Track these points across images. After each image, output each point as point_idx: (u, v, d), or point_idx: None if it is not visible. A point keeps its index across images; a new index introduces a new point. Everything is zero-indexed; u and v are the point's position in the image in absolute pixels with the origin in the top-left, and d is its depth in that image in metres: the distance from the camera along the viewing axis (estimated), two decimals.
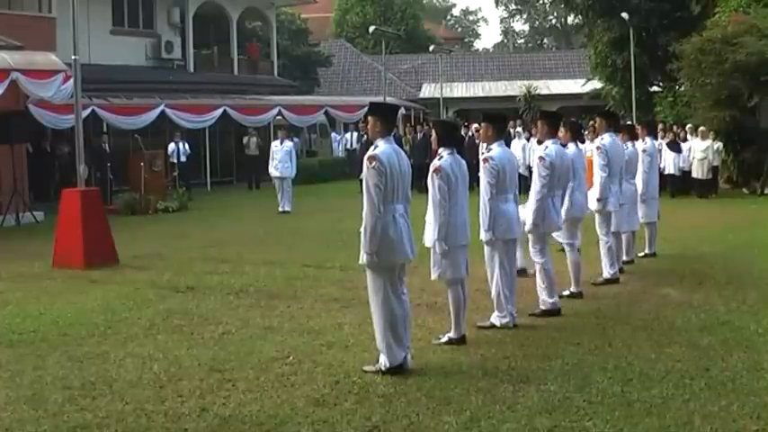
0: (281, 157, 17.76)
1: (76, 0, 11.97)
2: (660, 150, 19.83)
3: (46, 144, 21.05)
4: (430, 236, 6.68)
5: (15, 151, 16.03)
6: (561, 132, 8.42)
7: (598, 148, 9.38)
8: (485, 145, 7.63)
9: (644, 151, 10.82)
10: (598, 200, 9.24)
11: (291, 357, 6.50)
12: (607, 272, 9.32)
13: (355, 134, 27.47)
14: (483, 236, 7.27)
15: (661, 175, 19.76)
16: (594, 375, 5.92)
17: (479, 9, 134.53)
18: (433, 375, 5.98)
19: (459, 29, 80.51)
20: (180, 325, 7.67)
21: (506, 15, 77.80)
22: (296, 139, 24.33)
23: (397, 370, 6.00)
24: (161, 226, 15.79)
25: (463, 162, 6.82)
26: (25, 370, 6.33)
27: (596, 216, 9.44)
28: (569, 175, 8.28)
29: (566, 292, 8.48)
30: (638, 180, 10.64)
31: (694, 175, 19.58)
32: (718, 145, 19.85)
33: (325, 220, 16.16)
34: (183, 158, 23.04)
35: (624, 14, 26.07)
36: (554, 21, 72.61)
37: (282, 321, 7.74)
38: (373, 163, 5.87)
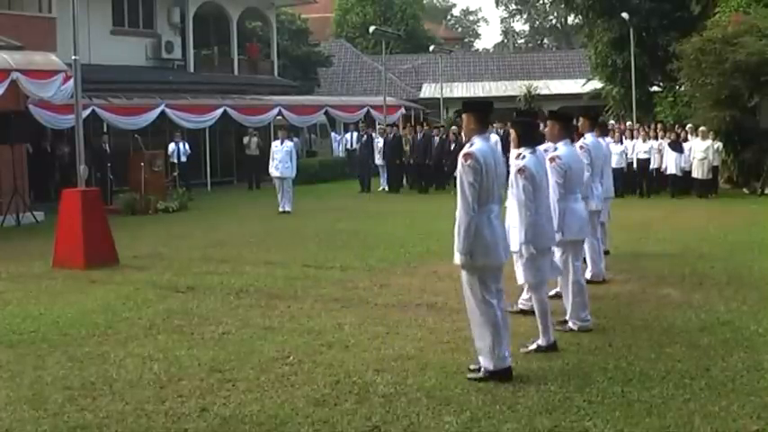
0: (281, 157, 17.74)
1: (76, 0, 11.97)
2: (661, 150, 19.99)
3: (46, 144, 21.05)
4: (516, 239, 6.50)
5: (15, 151, 16.04)
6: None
7: (581, 147, 9.42)
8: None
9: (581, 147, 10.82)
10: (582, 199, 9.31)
11: (291, 357, 6.50)
12: (588, 270, 9.34)
13: (355, 134, 27.46)
14: (556, 237, 7.08)
15: (663, 174, 20.00)
16: (594, 375, 5.92)
17: (479, 9, 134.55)
18: (433, 375, 5.98)
19: (460, 29, 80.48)
20: (180, 325, 7.67)
21: (506, 15, 77.78)
22: (296, 139, 24.34)
23: (503, 375, 5.76)
24: (161, 226, 15.78)
25: (544, 161, 6.76)
26: (25, 370, 6.33)
27: None
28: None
29: (552, 292, 8.47)
30: None
31: (694, 175, 19.57)
32: (718, 145, 19.84)
33: (325, 220, 16.16)
34: (183, 158, 23.07)
35: (624, 14, 26.10)
36: (554, 21, 72.54)
37: (282, 321, 7.73)
38: (469, 161, 5.69)
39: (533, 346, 6.60)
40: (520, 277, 6.75)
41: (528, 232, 6.41)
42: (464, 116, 6.05)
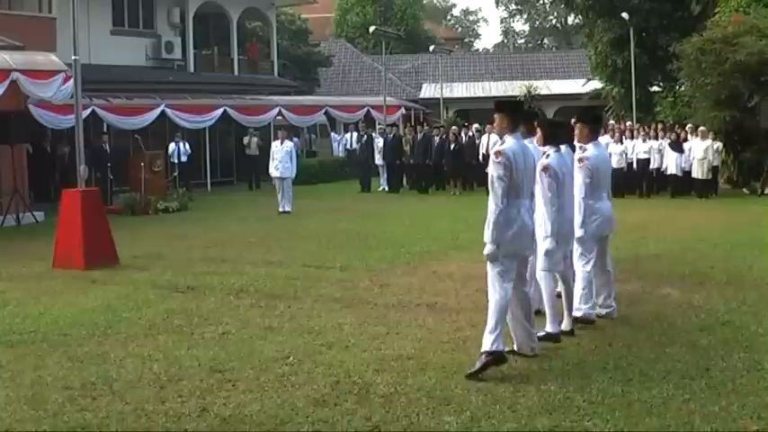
0: (281, 157, 17.73)
1: (76, 0, 11.97)
2: (661, 150, 20.00)
3: (46, 144, 21.04)
4: (540, 233, 6.82)
5: (15, 151, 16.03)
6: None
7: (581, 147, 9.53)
8: (580, 145, 7.66)
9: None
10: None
11: (291, 357, 6.50)
12: None
13: (355, 134, 27.47)
14: (576, 233, 7.40)
15: (663, 174, 20.01)
16: (594, 375, 5.92)
17: (479, 9, 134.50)
18: (433, 375, 5.98)
19: (460, 29, 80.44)
20: (180, 325, 7.67)
21: (506, 15, 77.77)
22: (296, 139, 24.35)
23: (497, 359, 6.00)
24: (161, 226, 15.78)
25: (569, 160, 7.09)
26: (25, 370, 6.33)
27: None
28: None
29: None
30: None
31: (694, 175, 19.57)
32: (718, 145, 19.84)
33: (325, 220, 16.17)
34: (183, 158, 23.07)
35: (624, 14, 26.11)
36: (554, 21, 72.50)
37: (282, 321, 7.73)
38: (499, 158, 6.06)
39: (541, 333, 6.79)
40: (537, 269, 7.02)
41: (553, 227, 6.82)
42: (496, 116, 6.32)
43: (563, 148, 7.45)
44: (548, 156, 6.93)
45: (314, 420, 5.15)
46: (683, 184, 19.77)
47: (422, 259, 11.16)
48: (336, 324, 7.57)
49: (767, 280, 9.34)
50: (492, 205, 6.07)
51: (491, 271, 6.17)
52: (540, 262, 6.99)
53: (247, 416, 5.25)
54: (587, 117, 7.85)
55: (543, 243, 6.87)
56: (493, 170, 6.08)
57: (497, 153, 6.10)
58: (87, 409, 5.44)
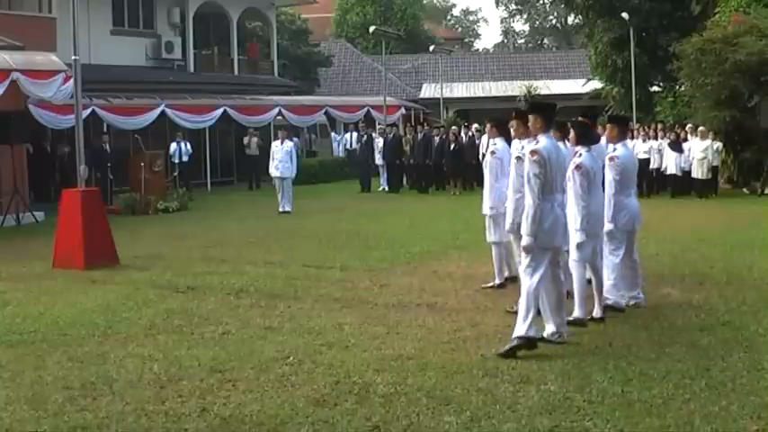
0: (281, 157, 17.72)
1: (76, 0, 11.97)
2: (661, 150, 20.00)
3: (46, 144, 21.03)
4: (572, 227, 7.18)
5: (15, 151, 16.02)
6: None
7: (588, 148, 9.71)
8: (611, 145, 8.02)
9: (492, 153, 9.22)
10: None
11: (291, 357, 6.49)
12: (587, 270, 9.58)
13: (355, 134, 27.46)
14: (606, 227, 7.79)
15: (663, 174, 20.00)
16: (594, 375, 5.92)
17: (479, 9, 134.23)
18: (433, 375, 5.98)
19: (460, 29, 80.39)
20: (180, 325, 7.67)
21: (506, 15, 77.69)
22: (296, 139, 24.33)
23: (527, 343, 6.38)
24: (161, 226, 15.78)
25: (598, 159, 7.50)
26: (25, 370, 6.33)
27: None
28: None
29: None
30: None
31: (694, 175, 19.57)
32: (718, 145, 19.83)
33: (325, 220, 16.16)
34: (184, 158, 23.07)
35: (624, 14, 26.13)
36: (554, 21, 72.50)
37: (282, 321, 7.73)
38: (535, 156, 6.50)
39: (569, 318, 7.09)
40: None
41: (583, 221, 7.24)
42: (530, 117, 6.78)
43: (623, 145, 7.93)
44: (580, 155, 7.33)
45: (314, 420, 5.15)
46: (682, 184, 19.77)
47: (422, 259, 11.15)
48: (336, 324, 7.56)
49: (767, 280, 9.34)
50: (529, 201, 6.51)
51: (524, 261, 6.58)
52: (572, 253, 7.37)
53: (247, 416, 5.25)
54: (617, 118, 8.39)
55: (574, 236, 7.23)
56: (530, 169, 6.50)
57: (533, 152, 6.51)
58: (87, 409, 5.44)
